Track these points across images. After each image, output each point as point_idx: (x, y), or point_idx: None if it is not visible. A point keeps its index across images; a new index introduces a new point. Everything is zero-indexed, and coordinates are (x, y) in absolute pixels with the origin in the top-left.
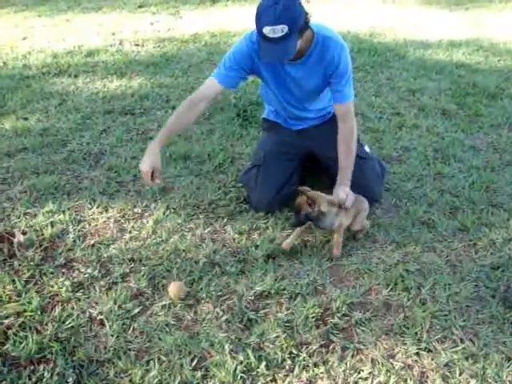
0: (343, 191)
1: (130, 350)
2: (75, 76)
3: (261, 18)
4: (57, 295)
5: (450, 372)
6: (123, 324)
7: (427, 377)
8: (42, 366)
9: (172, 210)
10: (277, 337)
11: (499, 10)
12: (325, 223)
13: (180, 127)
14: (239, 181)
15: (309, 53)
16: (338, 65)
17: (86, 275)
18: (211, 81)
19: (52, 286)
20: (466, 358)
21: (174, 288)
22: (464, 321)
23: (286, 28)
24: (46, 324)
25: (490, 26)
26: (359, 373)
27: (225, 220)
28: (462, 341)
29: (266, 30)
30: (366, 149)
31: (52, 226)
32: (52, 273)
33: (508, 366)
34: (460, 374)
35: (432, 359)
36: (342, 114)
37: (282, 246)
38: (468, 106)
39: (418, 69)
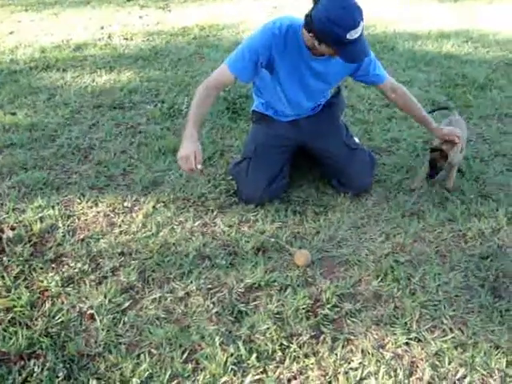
0: (446, 130)
1: (120, 343)
2: (63, 70)
3: (342, 25)
4: (46, 290)
5: (439, 361)
6: (113, 318)
7: (417, 366)
8: (32, 362)
9: (162, 204)
10: (267, 328)
11: (488, 1)
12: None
13: (203, 115)
14: (229, 173)
15: None
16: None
17: (75, 270)
18: (225, 69)
19: (42, 281)
20: (456, 347)
21: (300, 257)
22: (453, 310)
23: (362, 23)
24: (36, 319)
25: (479, 18)
26: (349, 363)
27: (215, 213)
28: (451, 330)
29: (350, 34)
30: (356, 140)
31: (41, 221)
32: (41, 268)
33: (496, 354)
34: (449, 363)
35: (422, 349)
36: (388, 89)
37: (412, 186)
38: (457, 97)
39: (407, 60)
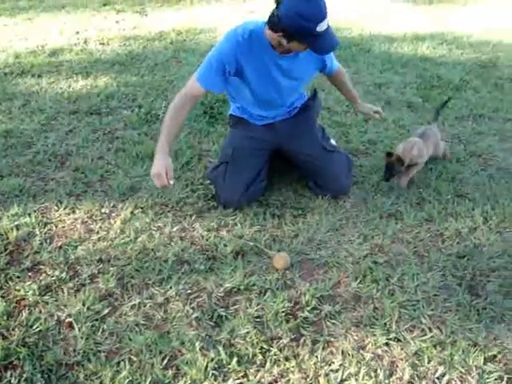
0: (367, 108)
1: (99, 351)
2: (39, 76)
3: (311, 18)
4: (23, 299)
5: (418, 360)
6: (92, 326)
7: (397, 366)
8: (9, 373)
9: (140, 210)
10: (247, 332)
11: (462, 4)
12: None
13: (176, 130)
14: (207, 178)
15: None
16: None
17: (53, 278)
18: (194, 82)
19: (18, 291)
20: (434, 346)
21: (279, 260)
22: (432, 310)
23: (327, 14)
24: (13, 329)
25: (453, 20)
26: (330, 365)
27: (193, 218)
28: (430, 329)
29: (320, 27)
30: (333, 142)
31: (17, 229)
32: (18, 277)
33: (474, 352)
34: (429, 362)
35: (401, 349)
36: (337, 73)
37: (400, 184)
38: (433, 98)
39: (383, 63)
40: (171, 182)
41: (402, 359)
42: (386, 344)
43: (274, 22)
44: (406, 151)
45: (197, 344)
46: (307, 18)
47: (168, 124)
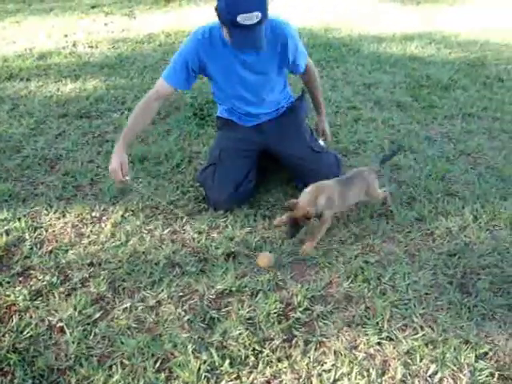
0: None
1: (91, 355)
2: (27, 80)
3: (234, 6)
4: (14, 305)
5: (411, 359)
6: (84, 330)
7: (389, 365)
8: None
9: (130, 213)
10: (239, 334)
11: (450, 4)
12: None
13: (138, 128)
14: (196, 180)
15: None
16: (291, 43)
17: (44, 282)
18: (162, 81)
19: (8, 296)
20: (426, 345)
21: (263, 258)
22: (423, 308)
23: (260, 15)
24: (3, 335)
25: (441, 20)
26: (322, 365)
27: (184, 220)
28: (421, 328)
29: (241, 18)
30: (321, 143)
31: (7, 234)
32: (8, 282)
33: (465, 350)
34: (421, 360)
35: (393, 348)
36: (306, 75)
37: (304, 251)
38: (422, 97)
39: (372, 63)
40: (127, 178)
41: (394, 358)
42: (378, 343)
43: (217, 15)
44: (311, 202)
45: (189, 346)
46: (231, 6)
47: (131, 122)
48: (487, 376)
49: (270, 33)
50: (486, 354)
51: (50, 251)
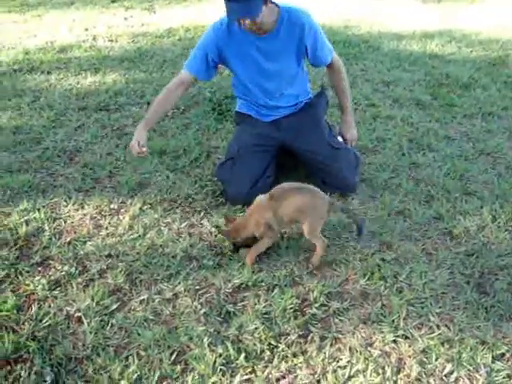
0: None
1: (108, 346)
2: (48, 73)
3: None
4: (33, 294)
5: (426, 357)
6: (101, 320)
7: (404, 363)
8: (18, 366)
9: (148, 206)
10: (255, 328)
11: (470, 1)
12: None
13: (160, 111)
14: (215, 175)
15: (277, 27)
16: (309, 31)
17: (62, 273)
18: (184, 69)
19: (28, 285)
20: (442, 344)
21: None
22: (440, 307)
23: None
24: (23, 323)
25: (461, 18)
26: (338, 361)
27: (201, 214)
28: (438, 327)
29: None
30: (340, 139)
31: (27, 225)
32: (28, 271)
33: (482, 350)
34: (436, 359)
35: (409, 346)
36: (332, 69)
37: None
38: (442, 96)
39: (392, 60)
40: (143, 149)
41: (409, 356)
42: (394, 341)
43: None
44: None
45: (205, 339)
46: None
47: (154, 105)
48: (504, 377)
49: (287, 21)
50: (503, 355)
51: (69, 242)
